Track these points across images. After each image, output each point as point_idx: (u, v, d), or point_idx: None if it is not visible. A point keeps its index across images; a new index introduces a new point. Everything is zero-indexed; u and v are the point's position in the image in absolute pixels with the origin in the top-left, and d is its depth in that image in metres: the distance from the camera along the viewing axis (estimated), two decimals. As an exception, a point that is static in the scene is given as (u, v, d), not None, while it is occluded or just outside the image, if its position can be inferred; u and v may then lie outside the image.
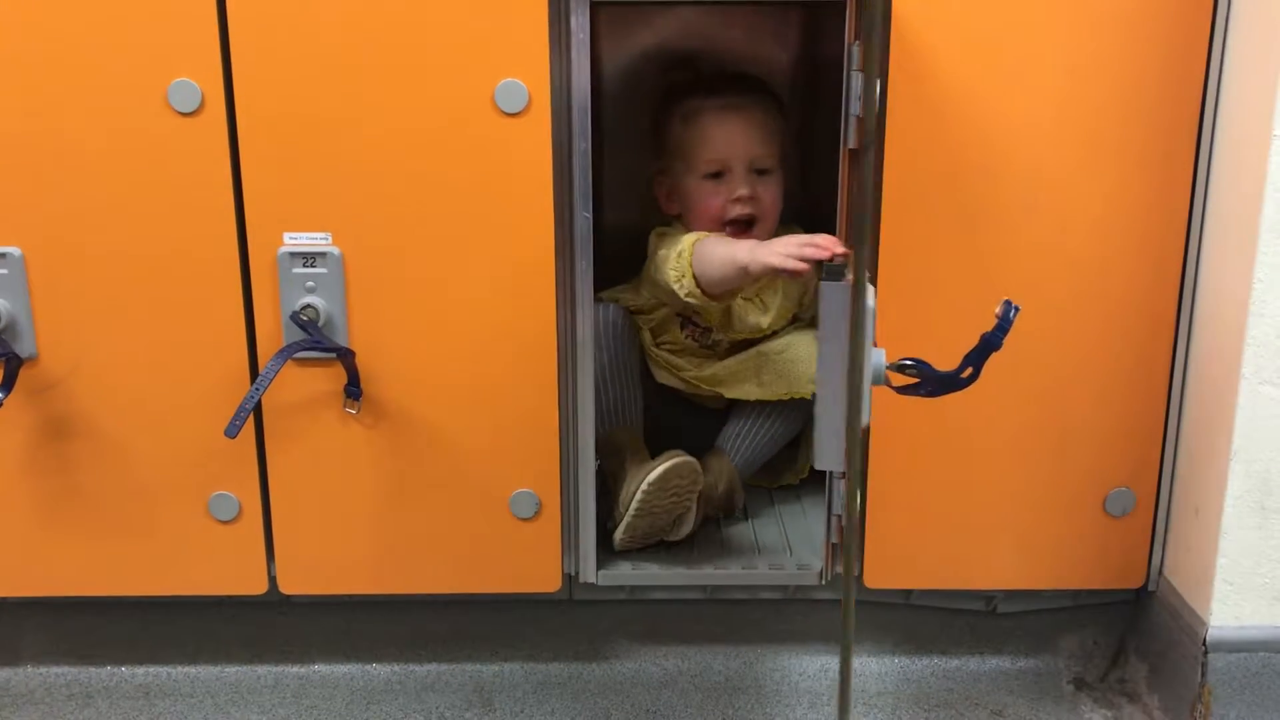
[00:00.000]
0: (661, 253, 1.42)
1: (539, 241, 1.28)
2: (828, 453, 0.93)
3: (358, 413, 1.32)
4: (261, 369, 1.26)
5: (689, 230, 1.46)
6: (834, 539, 1.38)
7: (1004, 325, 1.04)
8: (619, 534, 1.39)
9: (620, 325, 1.48)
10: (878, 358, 0.96)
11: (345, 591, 1.41)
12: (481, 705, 1.44)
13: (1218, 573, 1.27)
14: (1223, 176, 1.25)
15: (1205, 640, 1.29)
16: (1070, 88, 1.24)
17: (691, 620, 1.47)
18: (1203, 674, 1.29)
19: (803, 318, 1.57)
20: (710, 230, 1.45)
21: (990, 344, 1.04)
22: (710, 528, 1.50)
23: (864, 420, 0.87)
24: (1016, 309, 1.03)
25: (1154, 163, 1.27)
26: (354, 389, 1.30)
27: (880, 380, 0.97)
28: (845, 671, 0.78)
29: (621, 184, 1.71)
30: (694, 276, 1.34)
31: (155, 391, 1.32)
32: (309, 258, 1.27)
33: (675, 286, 1.35)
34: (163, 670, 1.48)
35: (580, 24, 1.21)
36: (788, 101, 1.61)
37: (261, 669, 1.48)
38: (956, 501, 1.38)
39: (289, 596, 1.42)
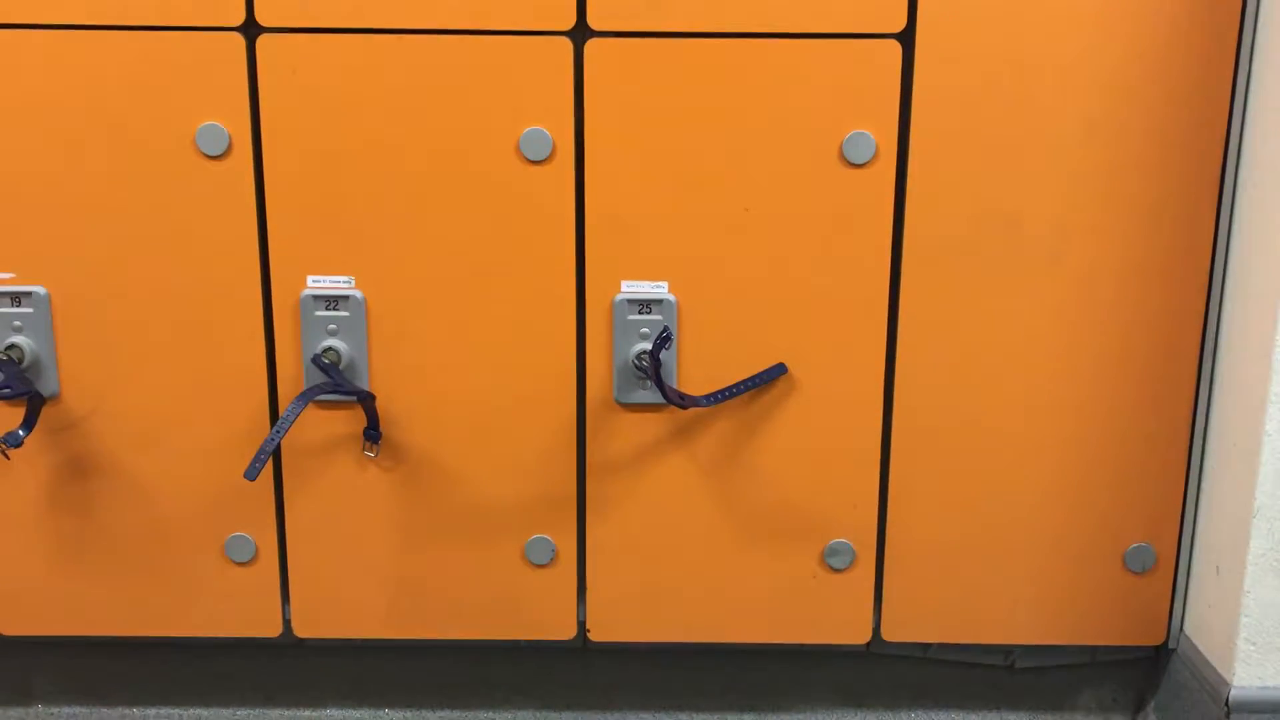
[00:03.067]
0: None
1: (561, 289, 1.28)
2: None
3: (376, 456, 1.32)
4: (282, 412, 1.26)
5: None
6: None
7: (656, 343, 1.23)
8: None
9: None
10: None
11: (359, 636, 1.41)
12: (494, 753, 1.44)
13: (1240, 631, 1.26)
14: (1245, 230, 1.25)
15: (1228, 700, 1.27)
16: (1089, 141, 1.24)
17: (706, 672, 1.46)
18: (1225, 734, 1.28)
19: None
20: None
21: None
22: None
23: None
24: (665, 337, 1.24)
25: (1176, 216, 1.26)
26: (373, 432, 1.30)
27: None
28: None
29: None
30: None
31: (175, 432, 1.32)
32: (332, 301, 1.28)
33: None
34: (175, 712, 1.47)
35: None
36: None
37: (274, 713, 1.47)
38: (975, 554, 1.37)
39: (303, 640, 1.41)
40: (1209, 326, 1.30)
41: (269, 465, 1.31)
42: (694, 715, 1.47)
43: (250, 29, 1.22)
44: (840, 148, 1.24)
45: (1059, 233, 1.27)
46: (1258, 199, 1.23)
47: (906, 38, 1.22)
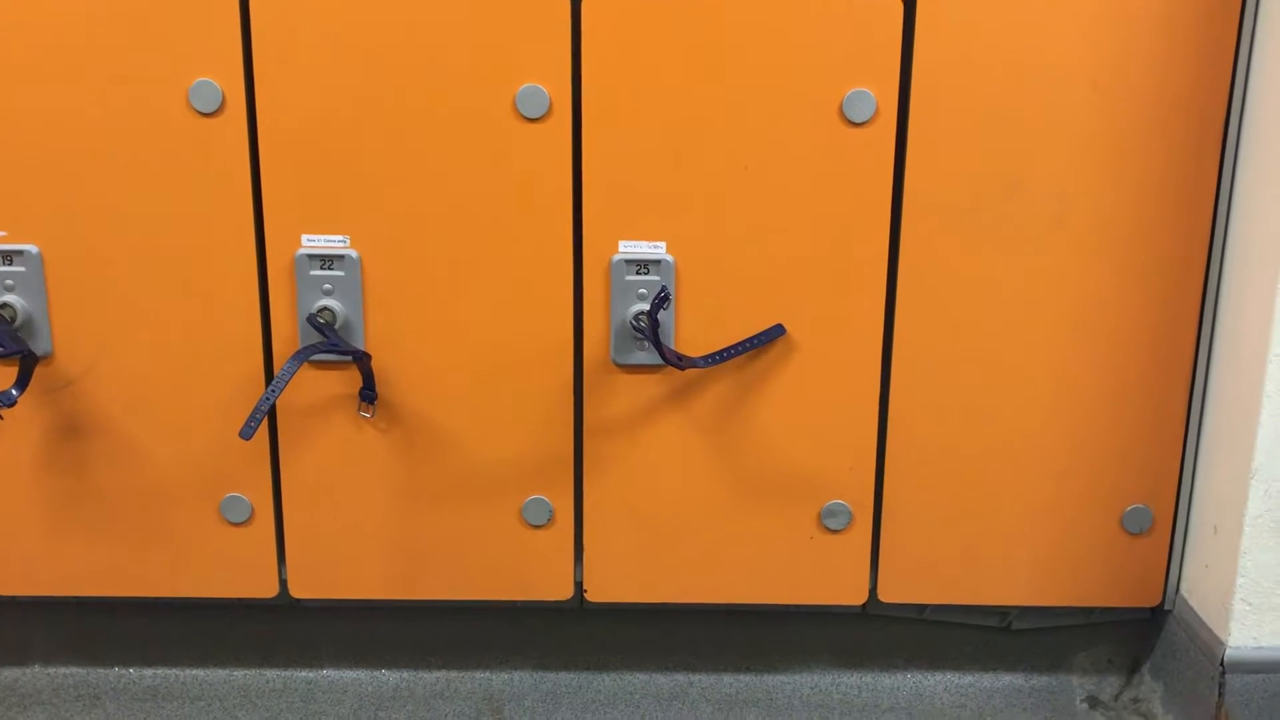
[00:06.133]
0: None
1: (558, 249, 1.27)
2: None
3: (372, 416, 1.32)
4: (277, 371, 1.26)
5: None
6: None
7: (654, 304, 1.21)
8: None
9: None
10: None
11: (356, 596, 1.41)
12: (491, 713, 1.44)
13: (1236, 592, 1.26)
14: (1247, 192, 1.24)
15: (1223, 660, 1.28)
16: (1093, 103, 1.23)
17: (702, 632, 1.47)
18: (1220, 694, 1.28)
19: None
20: None
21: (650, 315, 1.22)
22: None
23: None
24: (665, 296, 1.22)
25: (1178, 178, 1.26)
26: (369, 393, 1.30)
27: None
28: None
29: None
30: None
31: (170, 392, 1.31)
32: (327, 260, 1.27)
33: None
34: (171, 672, 1.47)
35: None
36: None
37: (270, 673, 1.47)
38: (972, 516, 1.37)
39: (299, 600, 1.41)
40: (1209, 288, 1.30)
41: (264, 425, 1.31)
42: (690, 675, 1.47)
43: (243, -17, 1.20)
44: (840, 106, 1.23)
45: (1061, 195, 1.26)
46: (1260, 162, 1.22)
47: (908, -6, 1.21)
